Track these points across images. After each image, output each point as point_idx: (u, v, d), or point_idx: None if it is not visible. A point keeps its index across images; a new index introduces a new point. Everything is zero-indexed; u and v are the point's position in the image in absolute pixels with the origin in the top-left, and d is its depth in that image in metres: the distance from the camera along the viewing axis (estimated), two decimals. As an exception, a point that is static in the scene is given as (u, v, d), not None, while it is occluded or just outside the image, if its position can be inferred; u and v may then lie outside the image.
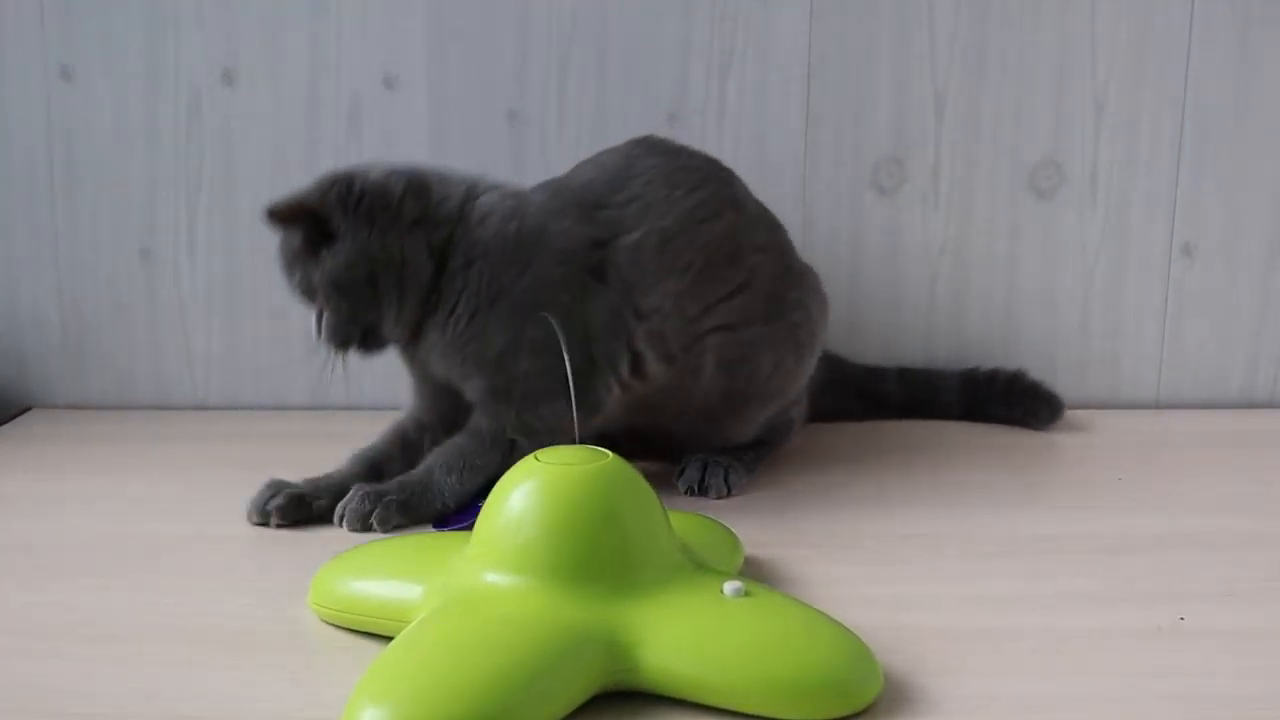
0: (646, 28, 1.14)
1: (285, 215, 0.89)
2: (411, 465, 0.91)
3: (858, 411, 1.13)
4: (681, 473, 0.94)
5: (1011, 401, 1.12)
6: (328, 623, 0.70)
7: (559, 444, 0.69)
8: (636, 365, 0.90)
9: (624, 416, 0.92)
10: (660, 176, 0.92)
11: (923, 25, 1.14)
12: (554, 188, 0.94)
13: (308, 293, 0.90)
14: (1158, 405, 1.21)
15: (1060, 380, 1.16)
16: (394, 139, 1.16)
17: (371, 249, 0.87)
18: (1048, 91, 1.15)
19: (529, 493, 0.65)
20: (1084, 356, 1.20)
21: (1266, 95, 1.15)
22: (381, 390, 1.20)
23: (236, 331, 1.20)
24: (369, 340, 0.91)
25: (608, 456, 0.67)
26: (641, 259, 0.90)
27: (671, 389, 0.92)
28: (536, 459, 0.67)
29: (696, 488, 0.93)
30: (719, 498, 0.92)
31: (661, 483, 0.90)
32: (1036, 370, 1.15)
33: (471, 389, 0.90)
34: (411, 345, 0.92)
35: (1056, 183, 1.17)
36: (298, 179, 1.14)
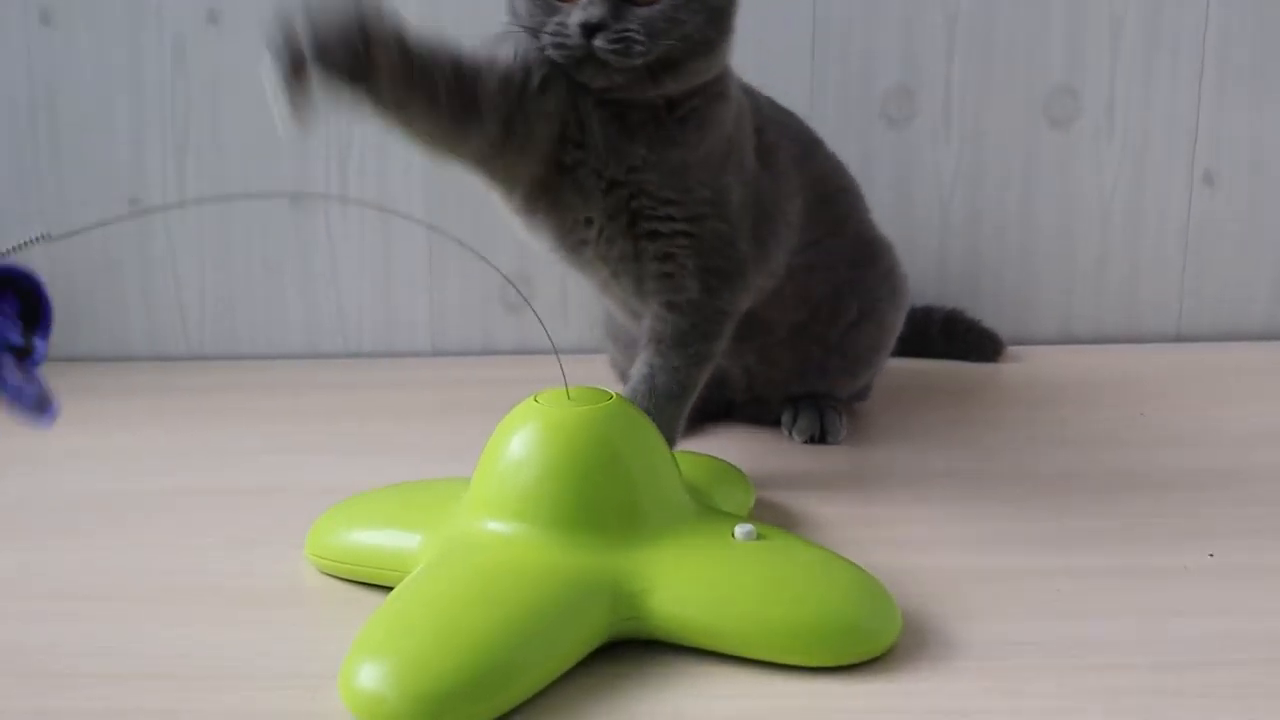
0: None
1: None
2: None
3: None
4: (794, 420, 0.90)
5: (951, 339, 1.11)
6: (326, 574, 0.68)
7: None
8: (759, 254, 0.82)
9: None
10: (772, 105, 0.87)
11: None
12: None
13: None
14: (1179, 338, 1.17)
15: (1077, 313, 1.13)
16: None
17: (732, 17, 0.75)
18: (1062, 16, 1.11)
19: (529, 437, 0.62)
20: (1101, 289, 1.17)
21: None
22: (379, 336, 1.17)
23: (229, 281, 1.17)
24: (641, 73, 0.72)
25: (611, 397, 0.65)
26: (784, 165, 0.84)
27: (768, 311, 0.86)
28: (536, 400, 0.64)
29: (818, 435, 0.89)
30: (838, 442, 0.89)
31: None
32: (1053, 303, 1.12)
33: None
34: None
35: (1073, 112, 1.13)
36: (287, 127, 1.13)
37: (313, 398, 1.01)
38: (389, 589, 0.61)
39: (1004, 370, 1.08)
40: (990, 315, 1.12)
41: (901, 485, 0.81)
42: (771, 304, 0.86)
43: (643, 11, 0.70)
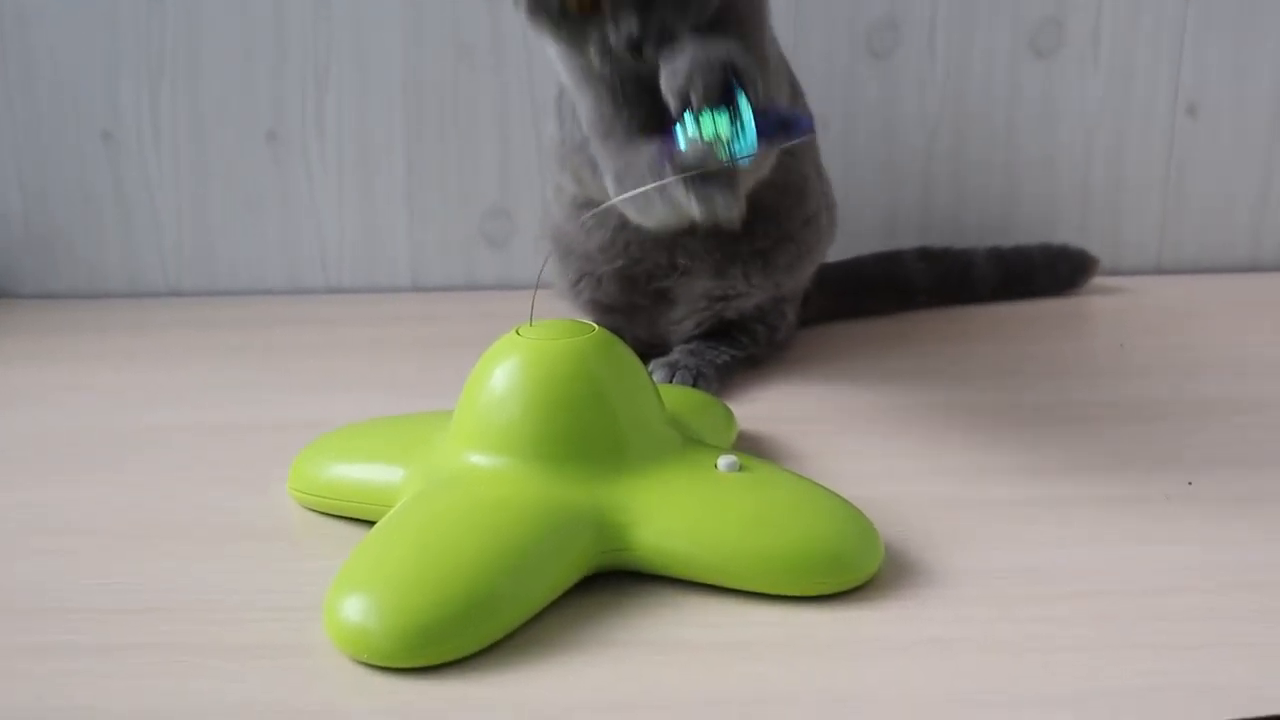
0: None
1: None
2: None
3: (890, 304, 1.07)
4: (671, 377, 0.87)
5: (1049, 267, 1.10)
6: (308, 509, 0.68)
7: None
8: None
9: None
10: None
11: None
12: None
13: None
14: (1159, 270, 1.18)
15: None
16: (365, 22, 1.11)
17: None
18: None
19: (510, 370, 0.62)
20: (1085, 221, 1.16)
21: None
22: (360, 272, 1.17)
23: (207, 217, 1.16)
24: None
25: (593, 329, 0.64)
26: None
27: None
28: (518, 333, 0.64)
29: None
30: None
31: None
32: (1036, 235, 1.12)
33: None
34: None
35: (1056, 43, 1.12)
36: (264, 60, 1.11)
37: (293, 334, 1.00)
38: (372, 523, 0.61)
39: (981, 305, 1.08)
40: (974, 244, 1.11)
41: (882, 418, 0.81)
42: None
43: None
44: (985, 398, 0.84)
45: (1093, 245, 1.13)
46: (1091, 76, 1.13)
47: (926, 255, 1.08)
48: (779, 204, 0.87)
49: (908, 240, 1.10)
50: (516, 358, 0.63)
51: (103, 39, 1.12)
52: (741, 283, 0.89)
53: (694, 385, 0.84)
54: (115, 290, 1.17)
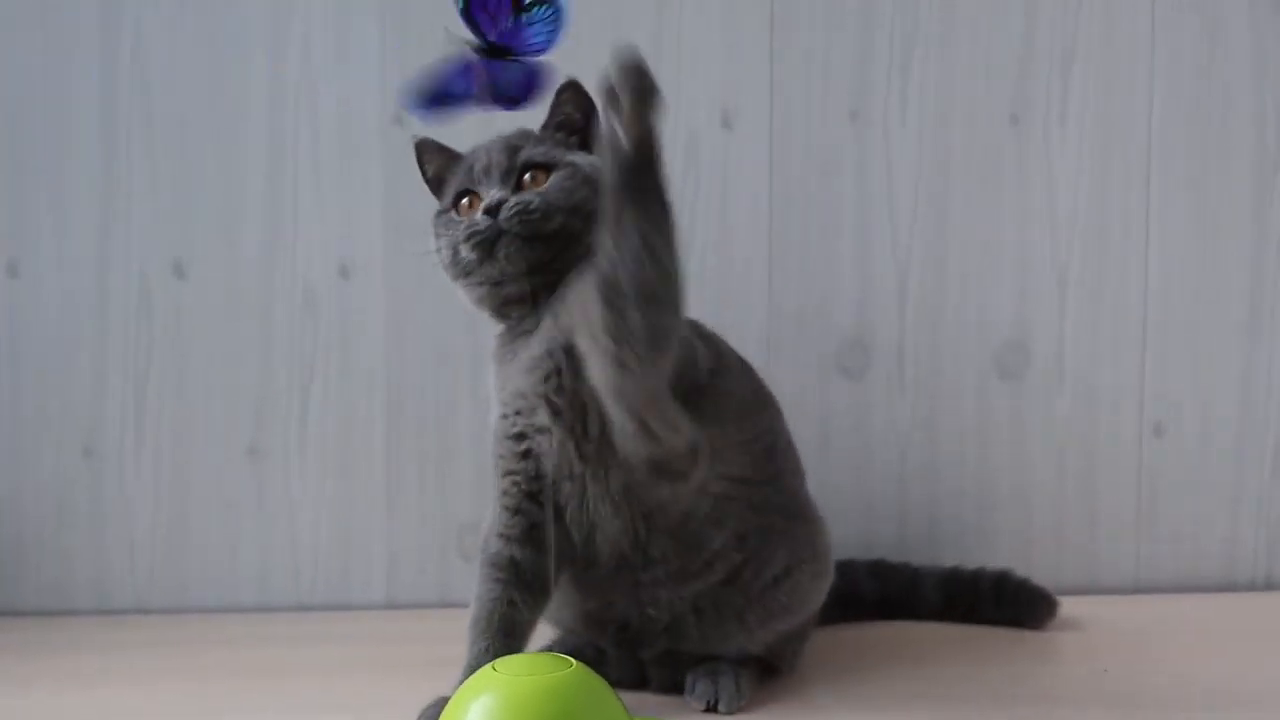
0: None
1: (579, 98, 0.89)
2: (535, 576, 0.86)
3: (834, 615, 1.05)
4: (692, 688, 0.87)
5: (1001, 602, 1.08)
6: None
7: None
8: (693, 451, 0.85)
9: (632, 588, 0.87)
10: (733, 354, 0.92)
11: (883, 206, 1.15)
12: None
13: (531, 164, 0.87)
14: (1136, 589, 1.17)
15: (1036, 565, 1.13)
16: (350, 328, 1.15)
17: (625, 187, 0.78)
18: (1012, 272, 1.16)
19: (486, 709, 0.61)
20: (1060, 541, 1.17)
21: (1227, 258, 1.17)
22: (332, 590, 1.15)
23: (181, 532, 1.15)
24: (549, 243, 0.84)
25: (571, 664, 0.63)
26: (727, 406, 0.88)
27: (690, 539, 0.86)
28: (494, 669, 0.63)
29: (712, 702, 0.85)
30: (729, 712, 0.85)
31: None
32: (1012, 557, 1.12)
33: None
34: (522, 310, 0.87)
35: (1023, 364, 1.16)
36: (251, 371, 1.14)
37: (263, 653, 0.98)
38: None
39: (962, 629, 1.07)
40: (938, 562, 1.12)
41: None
42: (712, 522, 0.86)
43: (536, 188, 0.85)
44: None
45: (1068, 565, 1.13)
46: (1058, 396, 1.17)
47: (878, 571, 1.10)
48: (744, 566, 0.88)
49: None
50: (492, 695, 0.61)
51: (91, 351, 1.14)
52: (733, 636, 0.89)
53: (738, 686, 0.86)
54: (83, 606, 1.15)
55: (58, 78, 1.14)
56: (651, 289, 0.75)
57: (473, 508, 1.14)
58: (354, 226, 1.14)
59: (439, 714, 0.69)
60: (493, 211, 0.84)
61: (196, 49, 1.14)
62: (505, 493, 0.87)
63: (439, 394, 1.15)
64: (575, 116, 0.90)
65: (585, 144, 0.89)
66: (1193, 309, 1.17)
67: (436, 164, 0.92)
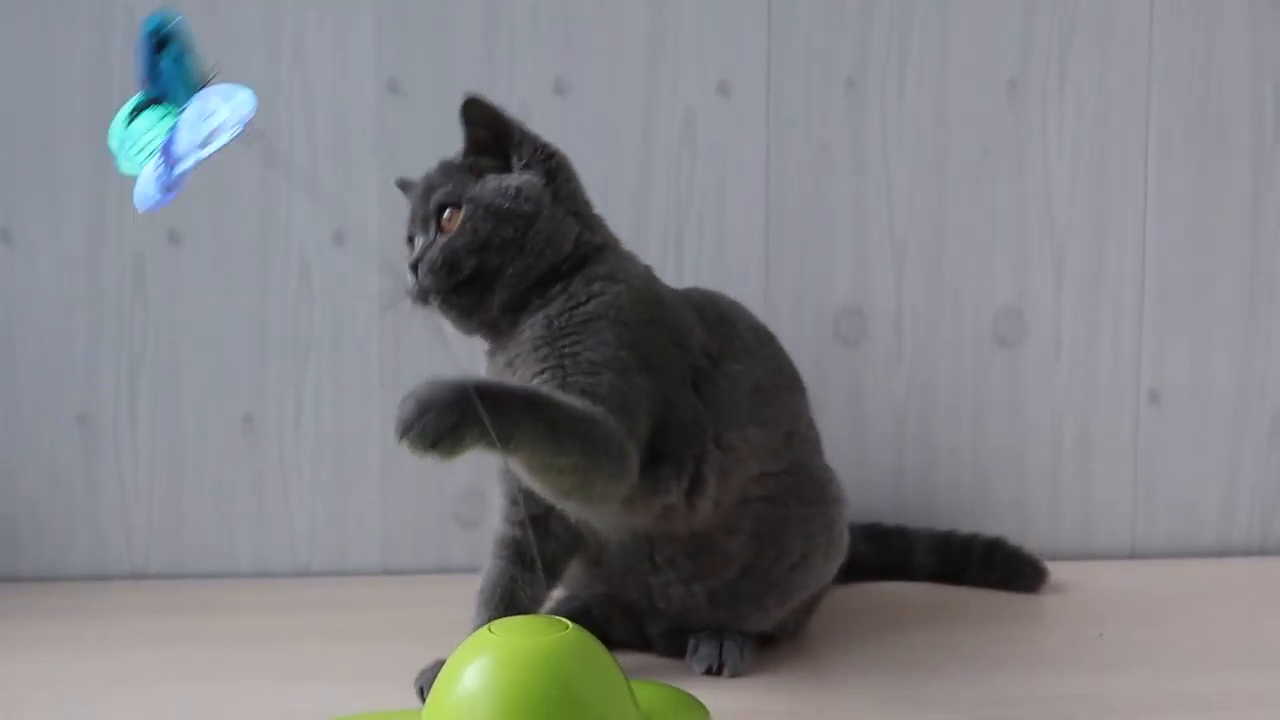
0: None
1: (482, 115, 0.87)
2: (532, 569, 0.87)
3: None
4: (695, 650, 0.88)
5: (991, 567, 1.09)
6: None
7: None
8: (694, 486, 0.84)
9: (652, 572, 0.88)
10: (753, 331, 0.92)
11: (880, 175, 1.15)
12: (676, 292, 0.91)
13: (443, 205, 0.86)
14: (1133, 554, 1.18)
15: (1031, 530, 1.13)
16: (345, 298, 1.14)
17: (541, 198, 0.85)
18: (1009, 239, 1.16)
19: (482, 670, 0.61)
20: (1056, 507, 1.17)
21: (1224, 225, 1.17)
22: (329, 556, 1.15)
23: (178, 499, 1.15)
24: (474, 286, 0.85)
25: (566, 627, 0.63)
26: (737, 393, 0.87)
27: (702, 544, 0.87)
28: (490, 631, 0.63)
29: (715, 666, 0.86)
30: (734, 675, 0.86)
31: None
32: (1008, 522, 1.12)
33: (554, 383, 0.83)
34: (498, 335, 0.87)
35: (1020, 332, 1.16)
36: (247, 337, 1.14)
37: (260, 620, 0.98)
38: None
39: (959, 592, 1.07)
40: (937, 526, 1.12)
41: (861, 712, 0.79)
42: (726, 531, 0.86)
43: (451, 228, 0.84)
44: (967, 688, 0.83)
45: (1064, 531, 1.13)
46: (1054, 364, 1.17)
47: (872, 535, 1.10)
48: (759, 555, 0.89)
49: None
50: (487, 657, 0.61)
51: (84, 324, 1.14)
52: (738, 612, 0.90)
53: (742, 653, 0.87)
54: (78, 573, 1.15)
55: (52, 45, 1.13)
56: (574, 471, 0.75)
57: (470, 474, 1.14)
58: (351, 195, 1.14)
59: (436, 677, 0.69)
60: (414, 269, 0.85)
61: (192, 13, 1.13)
62: (502, 480, 0.88)
63: (435, 360, 1.15)
64: (482, 134, 0.88)
65: (504, 153, 0.88)
66: (1190, 277, 1.17)
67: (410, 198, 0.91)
